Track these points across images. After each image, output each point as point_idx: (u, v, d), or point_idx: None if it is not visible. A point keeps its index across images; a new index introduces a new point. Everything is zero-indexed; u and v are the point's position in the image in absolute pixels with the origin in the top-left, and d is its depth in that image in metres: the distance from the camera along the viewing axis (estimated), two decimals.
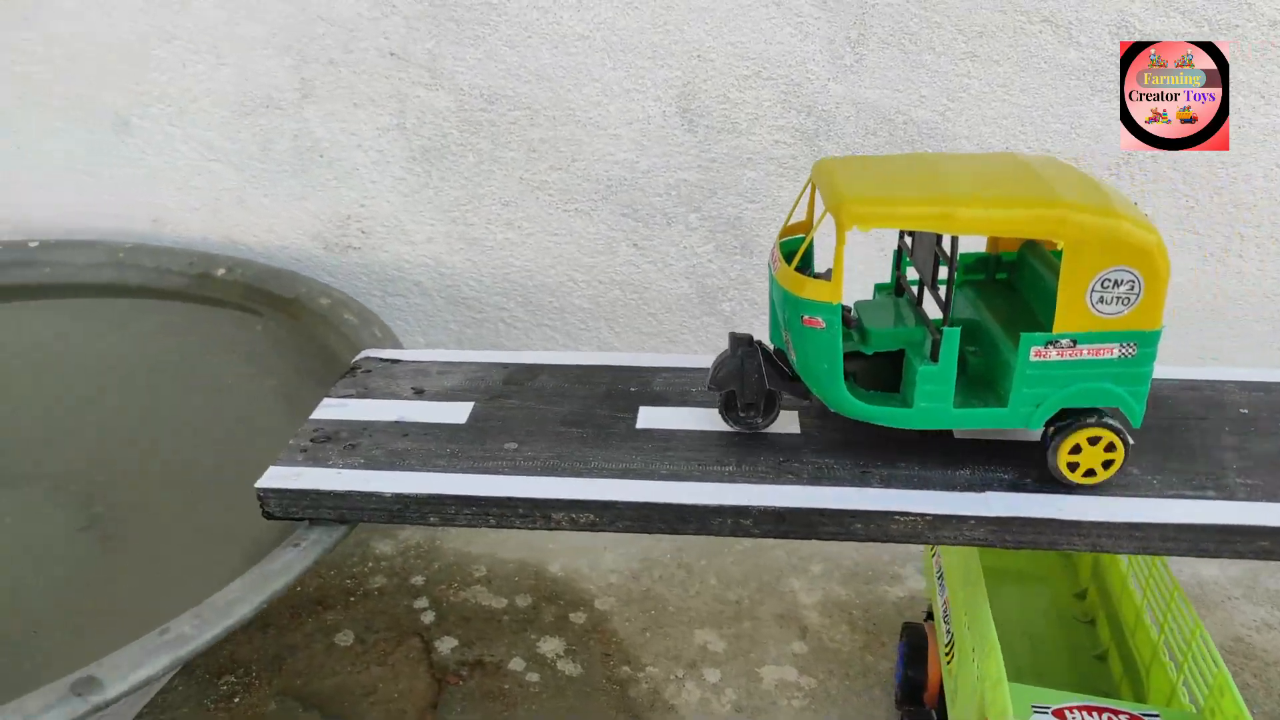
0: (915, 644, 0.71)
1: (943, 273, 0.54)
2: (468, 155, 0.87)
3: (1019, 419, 0.51)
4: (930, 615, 0.74)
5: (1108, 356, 0.49)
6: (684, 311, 0.92)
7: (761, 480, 0.52)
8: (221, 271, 0.88)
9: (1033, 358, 0.49)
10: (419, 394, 0.62)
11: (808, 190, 0.55)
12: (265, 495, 0.52)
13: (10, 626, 0.56)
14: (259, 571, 0.48)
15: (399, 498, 0.52)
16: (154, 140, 0.90)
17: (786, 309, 0.52)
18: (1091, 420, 0.50)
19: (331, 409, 0.60)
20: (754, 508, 0.50)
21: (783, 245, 0.54)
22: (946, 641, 0.65)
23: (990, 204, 0.48)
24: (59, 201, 0.94)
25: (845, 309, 0.53)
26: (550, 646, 0.79)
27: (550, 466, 0.53)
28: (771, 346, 0.56)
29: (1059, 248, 0.48)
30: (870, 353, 0.54)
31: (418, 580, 0.86)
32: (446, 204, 0.90)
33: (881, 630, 0.82)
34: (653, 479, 0.52)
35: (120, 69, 0.87)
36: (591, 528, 0.51)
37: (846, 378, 0.52)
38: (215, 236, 0.94)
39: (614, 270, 0.91)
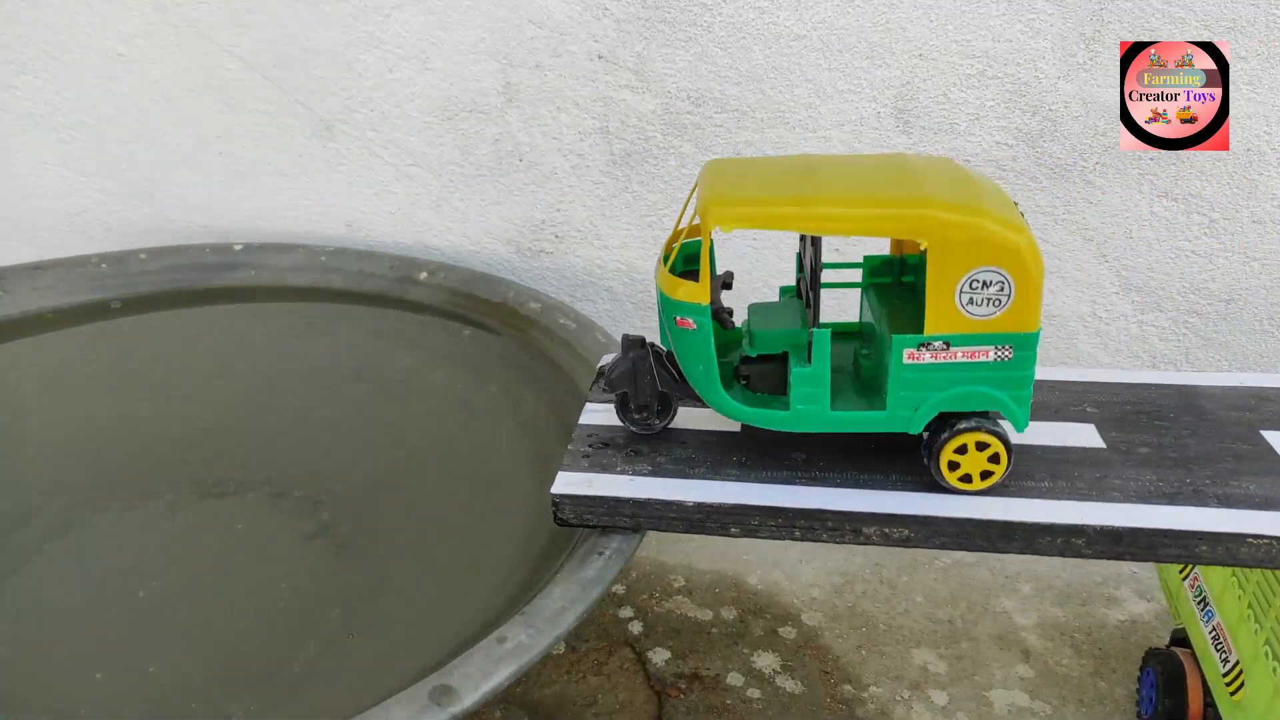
0: (1170, 673, 0.67)
1: (837, 276, 0.56)
2: (669, 159, 0.86)
3: (898, 422, 0.50)
4: (1176, 641, 0.70)
5: (983, 360, 0.48)
6: None
7: (1085, 497, 0.49)
8: (424, 275, 0.88)
9: (906, 360, 0.48)
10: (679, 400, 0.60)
11: (691, 195, 0.53)
12: (560, 501, 0.51)
13: (266, 633, 0.56)
14: (575, 580, 0.47)
15: (701, 507, 0.50)
16: (354, 146, 0.91)
17: (665, 311, 0.52)
18: (967, 425, 0.49)
19: (597, 414, 0.59)
20: (1089, 527, 0.47)
21: (665, 254, 0.54)
22: (1228, 670, 0.61)
23: (852, 203, 0.47)
24: (258, 206, 0.95)
25: (726, 310, 0.54)
26: (765, 662, 0.77)
27: (850, 478, 0.51)
28: (664, 349, 0.55)
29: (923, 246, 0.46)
30: (755, 355, 0.53)
31: (618, 589, 0.85)
32: (644, 209, 0.89)
33: (1109, 655, 0.78)
34: (965, 493, 0.50)
35: (325, 75, 0.88)
36: (905, 544, 0.49)
37: (741, 380, 0.53)
38: (408, 241, 0.94)
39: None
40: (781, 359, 0.53)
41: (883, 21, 0.78)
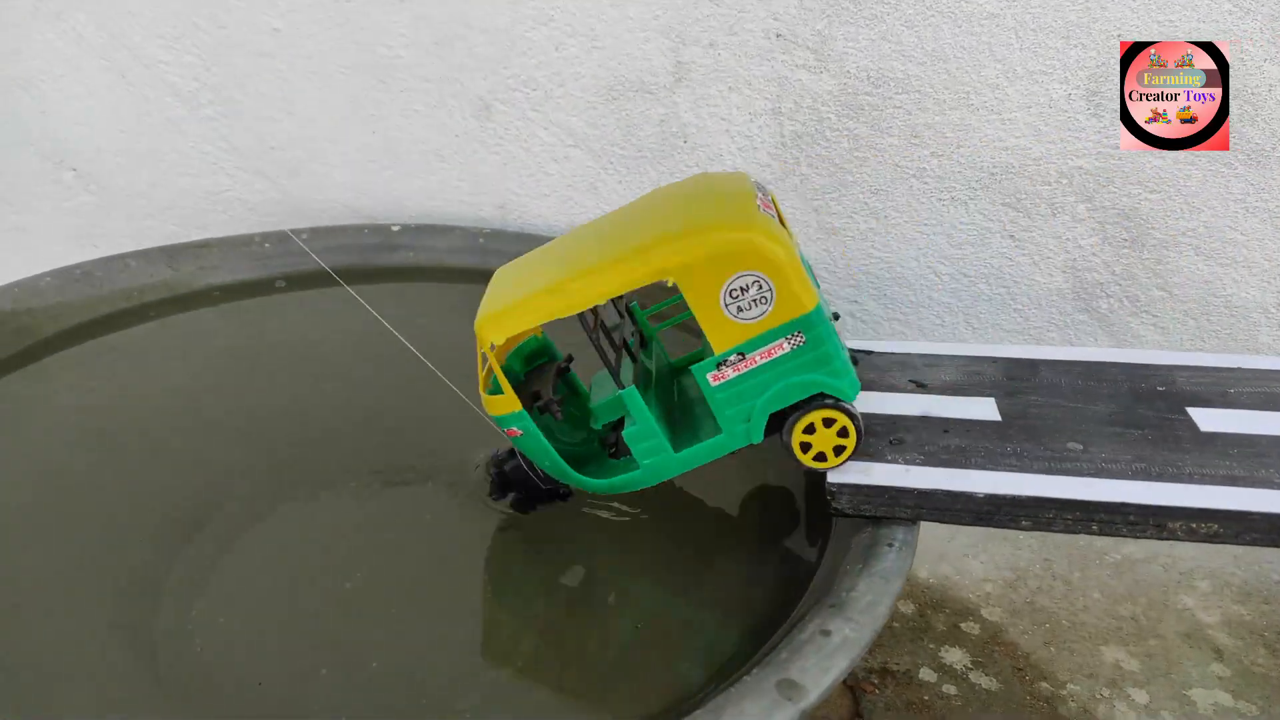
0: None
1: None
2: (842, 141, 0.84)
3: (739, 439, 0.51)
4: None
5: (781, 354, 0.49)
6: (1053, 308, 0.87)
7: None
8: None
9: (713, 383, 0.50)
10: (921, 387, 0.58)
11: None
12: (838, 490, 0.50)
13: (479, 626, 0.54)
14: (875, 574, 0.45)
15: (991, 499, 0.48)
16: (513, 126, 0.89)
17: (497, 423, 0.53)
18: (803, 411, 0.50)
19: None
20: None
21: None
22: None
23: (590, 273, 0.48)
24: (407, 187, 0.93)
25: (556, 400, 0.54)
26: (955, 657, 0.75)
27: (1140, 470, 0.49)
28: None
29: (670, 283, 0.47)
30: (600, 427, 0.55)
31: None
32: (810, 192, 0.87)
33: None
34: (1268, 488, 0.48)
35: (488, 53, 0.86)
36: (1212, 539, 0.47)
37: (607, 449, 0.55)
38: (560, 223, 0.93)
39: (982, 263, 0.87)
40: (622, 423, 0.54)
41: (1080, 2, 0.76)
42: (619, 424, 0.54)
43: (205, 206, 0.97)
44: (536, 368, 0.56)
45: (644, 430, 0.51)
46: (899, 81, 0.81)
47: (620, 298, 0.55)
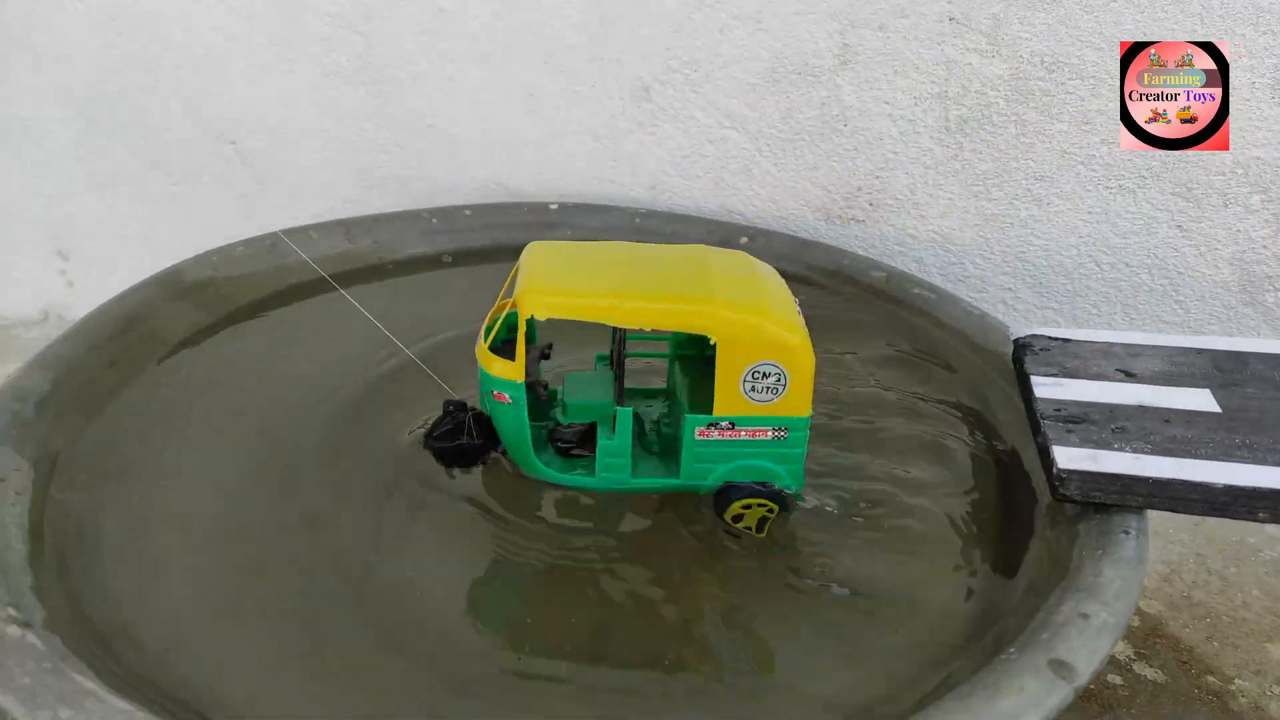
0: None
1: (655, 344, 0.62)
2: (1009, 127, 0.83)
3: (690, 487, 0.57)
4: None
5: (762, 438, 0.55)
6: (1217, 301, 0.86)
7: None
8: (744, 240, 0.86)
9: (697, 436, 0.54)
10: (1130, 377, 0.58)
11: (514, 274, 0.58)
12: (1066, 476, 0.50)
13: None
14: (1120, 560, 0.45)
15: (1229, 490, 0.48)
16: (671, 107, 0.90)
17: (483, 385, 0.56)
18: (749, 494, 0.56)
19: (1048, 388, 0.57)
20: None
21: (487, 327, 0.57)
22: None
23: (652, 299, 0.53)
24: (561, 167, 0.95)
25: (541, 382, 0.59)
26: (1117, 648, 0.75)
27: None
28: (484, 413, 0.59)
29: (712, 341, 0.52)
30: (566, 423, 0.58)
31: None
32: (971, 178, 0.86)
33: None
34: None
35: (653, 34, 0.87)
36: None
37: (555, 441, 0.58)
38: (711, 205, 0.93)
39: (1146, 253, 0.86)
40: (590, 427, 0.58)
41: None
42: (588, 427, 0.58)
43: (359, 183, 1.00)
44: (510, 340, 0.57)
45: (620, 448, 0.56)
46: (1073, 67, 0.80)
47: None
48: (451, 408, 0.59)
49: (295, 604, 0.50)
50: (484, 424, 0.59)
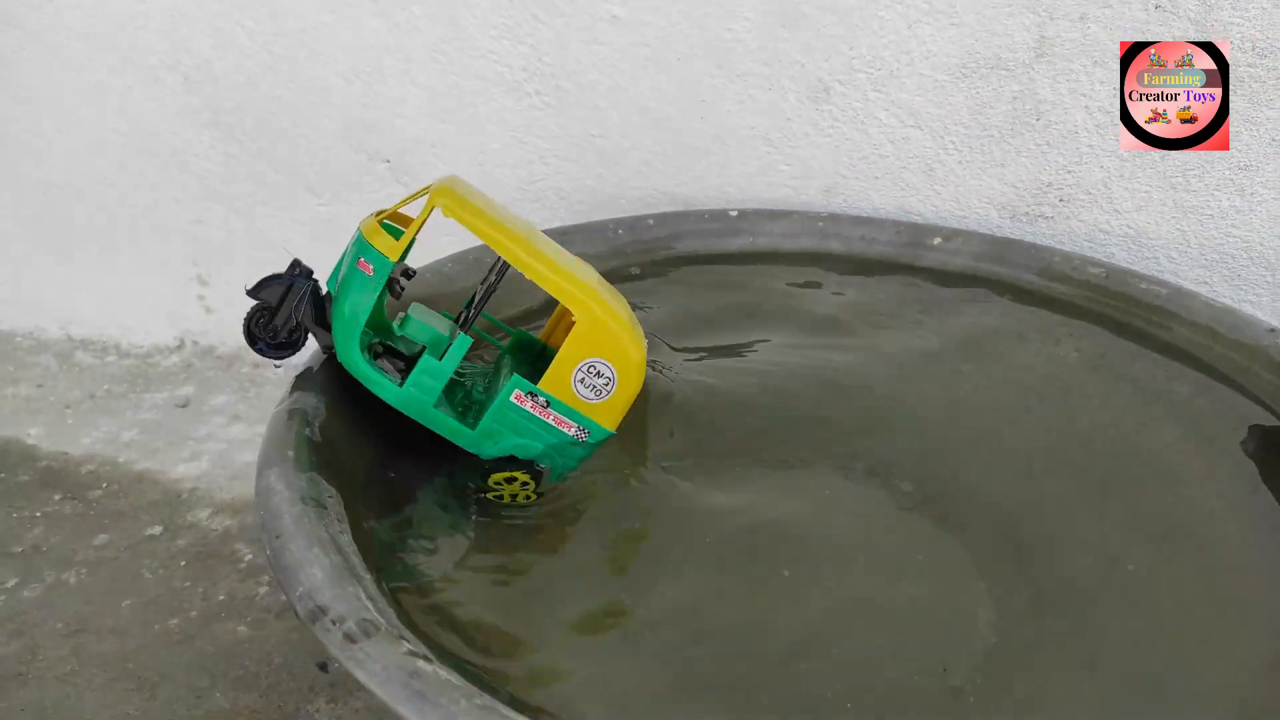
0: None
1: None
2: None
3: (475, 444, 0.58)
4: None
5: (564, 431, 0.57)
6: None
7: None
8: (937, 241, 0.84)
9: (512, 399, 0.57)
10: None
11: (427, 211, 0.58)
12: None
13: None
14: None
15: None
16: (851, 107, 0.88)
17: (351, 252, 0.57)
18: (509, 474, 0.58)
19: None
20: None
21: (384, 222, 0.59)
22: None
23: (541, 259, 0.56)
24: (730, 174, 0.93)
25: (401, 280, 0.59)
26: None
27: None
28: (325, 289, 0.59)
29: (573, 322, 0.56)
30: (399, 335, 0.59)
31: None
32: (1170, 169, 0.84)
33: None
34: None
35: (836, 34, 0.85)
36: None
37: (370, 353, 0.58)
38: (888, 206, 0.91)
39: None
40: (414, 356, 0.59)
41: None
42: (412, 353, 0.59)
43: (518, 196, 0.99)
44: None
45: (439, 372, 0.56)
46: None
47: (502, 279, 0.62)
48: (299, 270, 0.58)
49: None
50: (318, 304, 0.58)
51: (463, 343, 0.57)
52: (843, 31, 0.85)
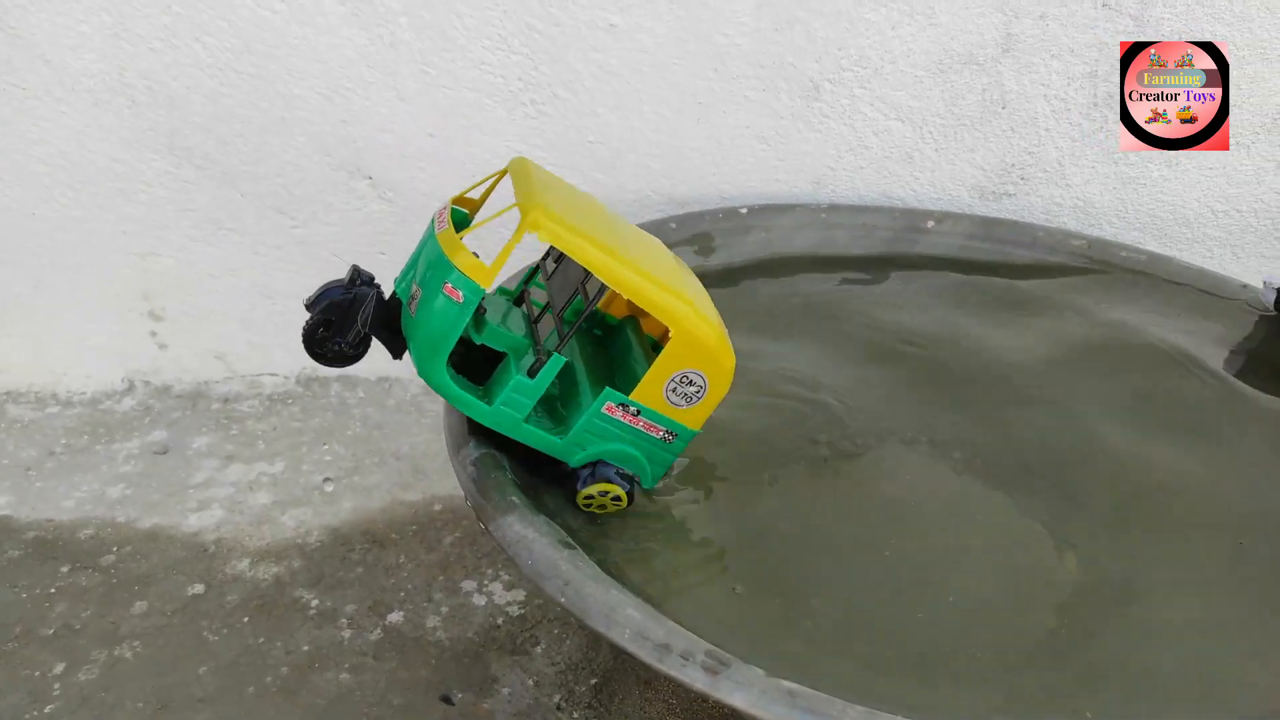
0: None
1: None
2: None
3: (567, 453, 0.57)
4: None
5: (653, 435, 0.57)
6: None
7: None
8: (930, 224, 0.92)
9: (604, 410, 0.56)
10: None
11: (496, 177, 0.59)
12: None
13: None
14: None
15: None
16: (839, 104, 0.94)
17: (434, 269, 0.54)
18: (614, 479, 0.58)
19: None
20: None
21: (454, 211, 0.58)
22: None
23: (646, 276, 0.54)
24: (724, 171, 0.97)
25: (481, 308, 0.57)
26: None
27: None
28: (390, 293, 0.58)
29: (668, 335, 0.55)
30: (479, 342, 0.57)
31: None
32: (1113, 147, 0.96)
33: None
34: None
35: (826, 35, 0.91)
36: None
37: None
38: (871, 193, 0.98)
39: (1256, 199, 0.98)
40: (494, 357, 0.58)
41: None
42: (496, 355, 0.57)
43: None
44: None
45: (533, 390, 0.55)
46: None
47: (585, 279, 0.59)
48: (360, 278, 0.55)
49: None
50: (385, 311, 0.56)
51: (556, 364, 0.55)
52: (832, 34, 0.91)
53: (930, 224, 0.93)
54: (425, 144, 0.95)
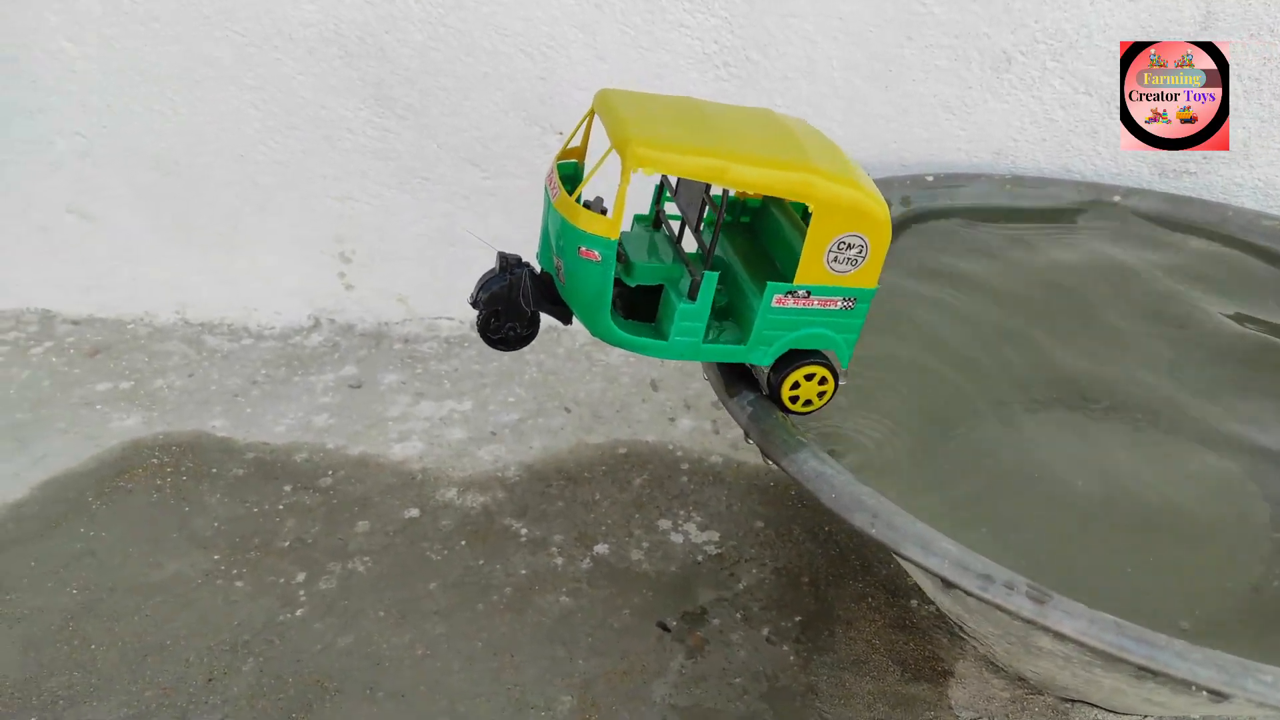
0: None
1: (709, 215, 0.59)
2: None
3: (755, 355, 0.57)
4: None
5: (831, 308, 0.56)
6: None
7: None
8: (1117, 199, 0.94)
9: (774, 304, 0.55)
10: None
11: (587, 119, 0.58)
12: None
13: None
14: None
15: None
16: (1029, 76, 0.95)
17: (563, 237, 0.54)
18: (810, 360, 0.58)
19: None
20: None
21: (561, 168, 0.57)
22: None
23: (762, 164, 0.52)
24: (910, 138, 0.99)
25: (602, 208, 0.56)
26: None
27: None
28: (539, 268, 0.59)
29: (810, 208, 0.53)
30: (633, 285, 0.57)
31: None
32: None
33: None
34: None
35: (1023, 6, 0.92)
36: None
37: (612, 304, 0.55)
38: (1051, 167, 1.00)
39: None
40: (656, 290, 0.57)
41: None
42: (646, 289, 0.57)
43: None
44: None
45: (699, 312, 0.54)
46: None
47: (708, 186, 0.58)
48: (509, 262, 0.56)
49: None
50: (541, 286, 0.57)
51: (711, 280, 0.54)
52: (1029, 5, 0.92)
53: (1117, 198, 0.94)
54: None
